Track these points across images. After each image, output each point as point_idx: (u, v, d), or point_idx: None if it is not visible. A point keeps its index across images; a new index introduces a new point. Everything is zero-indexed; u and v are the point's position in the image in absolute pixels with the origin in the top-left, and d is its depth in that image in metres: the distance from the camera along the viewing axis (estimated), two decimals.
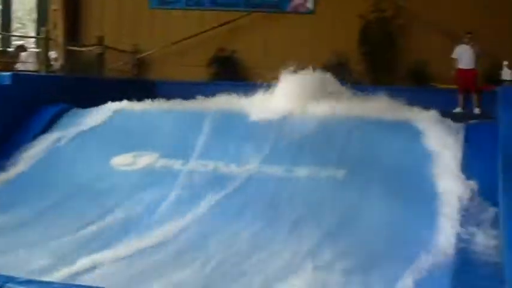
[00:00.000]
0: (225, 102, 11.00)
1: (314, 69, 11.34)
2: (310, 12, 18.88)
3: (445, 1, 17.85)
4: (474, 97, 14.71)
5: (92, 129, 10.57)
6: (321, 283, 6.20)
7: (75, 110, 11.27)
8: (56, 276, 6.25)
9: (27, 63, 15.93)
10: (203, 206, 8.17)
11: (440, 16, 17.66)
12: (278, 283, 6.27)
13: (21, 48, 17.26)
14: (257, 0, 19.06)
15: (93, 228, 7.84)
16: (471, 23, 16.55)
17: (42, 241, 7.37)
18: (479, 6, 17.49)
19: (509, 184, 6.49)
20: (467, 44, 14.94)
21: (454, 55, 15.05)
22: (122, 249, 7.06)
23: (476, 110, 14.43)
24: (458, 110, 14.62)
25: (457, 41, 15.68)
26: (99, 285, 5.48)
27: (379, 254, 6.71)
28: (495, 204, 7.00)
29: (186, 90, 13.13)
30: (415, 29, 18.09)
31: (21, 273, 5.36)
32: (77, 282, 6.02)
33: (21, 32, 25.26)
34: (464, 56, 14.95)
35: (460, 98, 14.83)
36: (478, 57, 14.92)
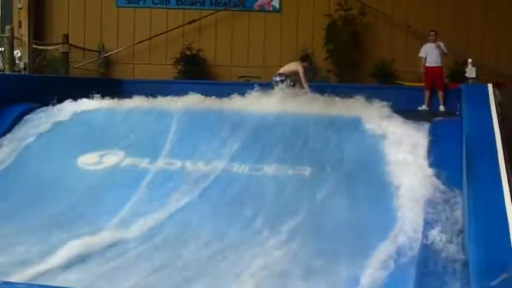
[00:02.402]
0: (193, 100, 10.95)
1: None
2: (276, 10, 18.92)
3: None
4: (440, 94, 14.84)
5: (58, 129, 10.47)
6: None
7: (40, 109, 11.16)
8: (16, 277, 6.15)
9: None
10: (170, 204, 8.17)
11: (407, 15, 17.85)
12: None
13: None
14: None
15: (56, 228, 7.75)
16: (437, 21, 16.78)
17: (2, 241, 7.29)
18: (446, 5, 17.73)
19: (472, 180, 6.57)
20: (432, 42, 15.09)
21: (422, 54, 15.18)
22: (85, 248, 6.98)
23: (442, 108, 14.57)
24: (423, 107, 14.77)
25: (423, 39, 15.82)
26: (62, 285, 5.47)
27: (344, 247, 6.80)
28: (459, 199, 7.08)
29: (153, 89, 13.08)
30: (381, 28, 18.25)
31: None
32: (39, 282, 5.96)
33: None
34: (430, 54, 15.08)
35: (427, 94, 14.97)
36: (444, 55, 15.06)
